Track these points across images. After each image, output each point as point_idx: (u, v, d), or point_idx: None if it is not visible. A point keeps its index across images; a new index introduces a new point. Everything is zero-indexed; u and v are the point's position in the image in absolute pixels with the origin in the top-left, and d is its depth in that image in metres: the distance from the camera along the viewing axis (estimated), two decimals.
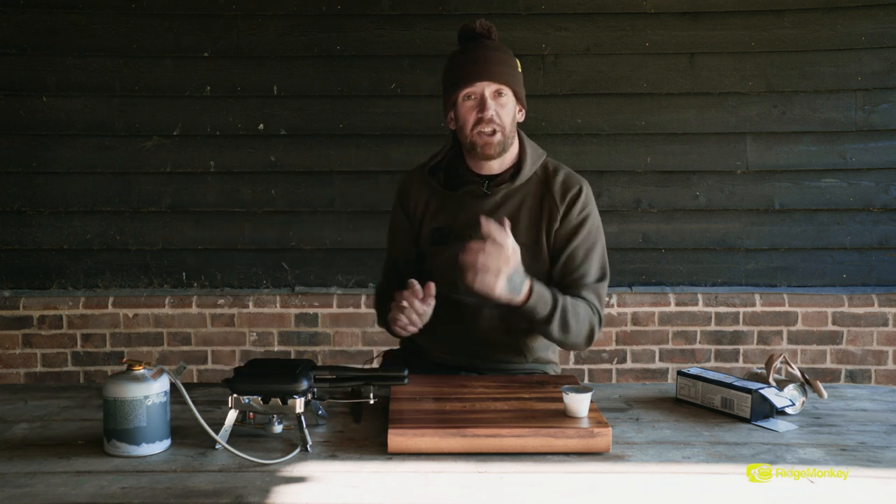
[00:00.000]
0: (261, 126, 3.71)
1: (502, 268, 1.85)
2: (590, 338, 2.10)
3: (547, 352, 2.24)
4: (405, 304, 1.95)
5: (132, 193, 3.72)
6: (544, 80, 3.70)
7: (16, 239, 3.72)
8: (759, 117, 3.74)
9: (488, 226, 1.83)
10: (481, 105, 2.06)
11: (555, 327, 2.01)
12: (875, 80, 3.71)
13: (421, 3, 3.66)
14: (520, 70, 2.14)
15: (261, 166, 3.72)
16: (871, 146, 3.74)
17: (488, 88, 2.06)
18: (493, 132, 2.07)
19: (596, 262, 2.14)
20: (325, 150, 3.72)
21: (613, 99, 3.73)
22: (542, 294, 1.96)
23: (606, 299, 3.58)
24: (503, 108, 2.08)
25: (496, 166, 2.15)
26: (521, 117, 2.16)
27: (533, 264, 2.08)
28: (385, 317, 2.10)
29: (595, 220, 2.17)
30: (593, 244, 2.14)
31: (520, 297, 1.92)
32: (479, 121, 2.06)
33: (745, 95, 3.73)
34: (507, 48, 2.14)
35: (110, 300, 3.67)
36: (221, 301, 3.69)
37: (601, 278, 2.14)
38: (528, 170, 2.15)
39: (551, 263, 2.13)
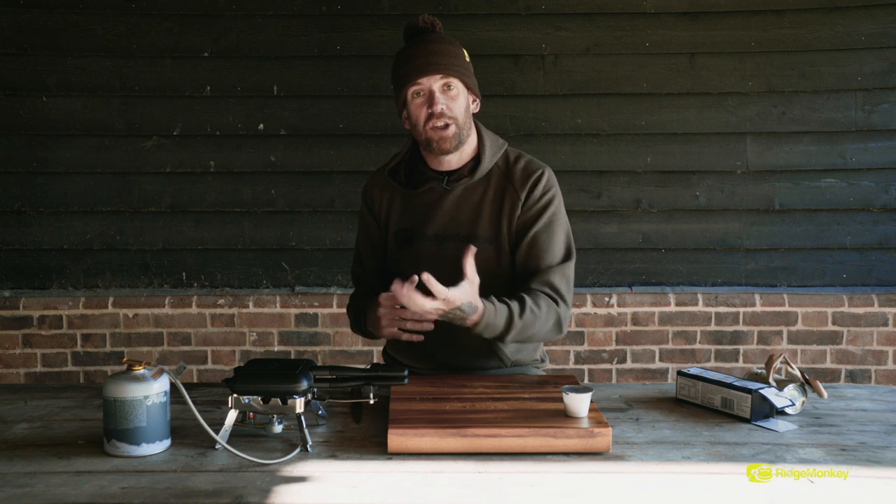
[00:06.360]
0: (261, 126, 3.71)
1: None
2: (557, 330, 2.06)
3: (527, 353, 2.19)
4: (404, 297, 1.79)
5: (132, 193, 3.72)
6: (544, 80, 3.70)
7: (16, 239, 3.72)
8: (759, 117, 3.74)
9: (430, 283, 1.77)
10: (430, 100, 2.02)
11: (509, 342, 2.02)
12: (875, 80, 3.71)
13: (421, 4, 3.65)
14: (468, 59, 2.09)
15: (261, 166, 3.72)
16: (871, 146, 3.74)
17: (435, 82, 2.02)
18: (446, 125, 2.02)
19: (560, 244, 2.09)
20: (325, 150, 3.72)
21: (613, 99, 3.73)
22: (491, 323, 1.92)
23: (607, 299, 3.67)
24: (453, 100, 2.04)
25: (455, 161, 2.11)
26: (475, 108, 2.13)
27: (496, 258, 2.07)
28: (362, 322, 2.12)
29: (558, 204, 2.12)
30: (557, 227, 2.09)
31: (468, 322, 1.90)
32: (430, 116, 2.02)
33: (745, 95, 3.73)
34: (452, 39, 2.09)
35: (110, 300, 3.67)
36: (221, 301, 3.69)
37: (567, 258, 2.09)
38: (488, 162, 2.11)
39: (516, 248, 2.08)
